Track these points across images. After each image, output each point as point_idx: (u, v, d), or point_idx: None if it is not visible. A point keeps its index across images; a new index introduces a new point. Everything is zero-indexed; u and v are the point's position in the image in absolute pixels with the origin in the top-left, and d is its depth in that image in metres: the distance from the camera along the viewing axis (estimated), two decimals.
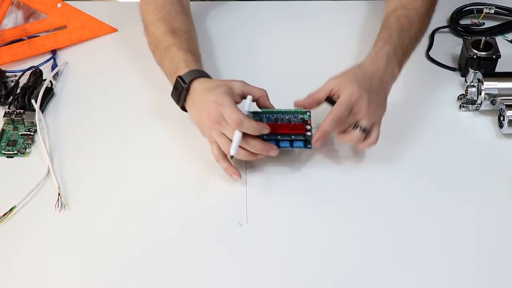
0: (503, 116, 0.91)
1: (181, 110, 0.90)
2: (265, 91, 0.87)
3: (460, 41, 1.04)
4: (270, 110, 0.86)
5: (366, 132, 0.84)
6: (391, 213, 0.83)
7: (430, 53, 1.06)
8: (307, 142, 0.84)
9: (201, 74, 0.88)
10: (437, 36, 1.09)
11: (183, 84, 0.87)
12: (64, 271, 0.77)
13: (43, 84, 0.98)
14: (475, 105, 0.95)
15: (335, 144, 0.91)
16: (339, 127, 0.84)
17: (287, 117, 0.85)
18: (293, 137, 0.84)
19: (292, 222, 0.82)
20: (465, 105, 0.96)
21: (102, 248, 0.79)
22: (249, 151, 0.83)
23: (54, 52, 1.07)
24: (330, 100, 0.85)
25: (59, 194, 0.84)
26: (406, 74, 1.02)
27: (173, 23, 0.96)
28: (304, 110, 0.85)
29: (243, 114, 0.81)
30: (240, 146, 0.82)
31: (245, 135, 0.82)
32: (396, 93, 0.99)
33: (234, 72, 1.03)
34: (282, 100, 0.98)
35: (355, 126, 0.84)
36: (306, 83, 1.00)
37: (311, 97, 0.86)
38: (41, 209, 0.83)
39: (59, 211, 0.83)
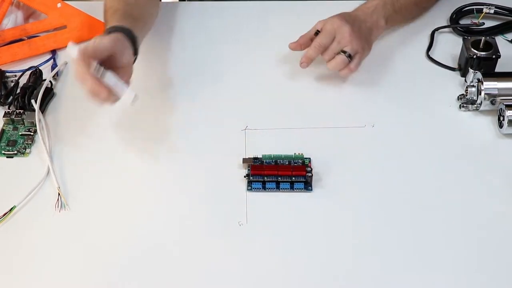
0: (503, 116, 0.91)
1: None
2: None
3: (460, 41, 1.03)
4: (271, 155, 0.87)
5: (350, 59, 0.93)
6: (391, 213, 0.83)
7: (430, 53, 1.06)
8: (307, 184, 0.85)
9: (119, 29, 0.87)
10: (437, 36, 1.09)
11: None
12: (64, 271, 0.77)
13: (43, 84, 0.98)
14: (475, 105, 0.95)
15: (336, 144, 0.91)
16: (327, 55, 0.94)
17: (287, 162, 0.86)
18: (293, 178, 0.84)
19: (292, 222, 0.82)
20: (465, 105, 0.96)
21: (102, 248, 0.79)
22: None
23: (54, 52, 1.07)
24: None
25: (59, 194, 0.84)
26: (406, 74, 1.02)
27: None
28: (303, 156, 0.87)
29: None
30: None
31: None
32: (396, 92, 0.99)
33: (233, 71, 1.03)
34: (281, 99, 0.99)
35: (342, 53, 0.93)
36: (306, 82, 1.01)
37: (303, 36, 0.97)
38: (41, 209, 0.83)
39: (59, 211, 0.83)
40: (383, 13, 0.99)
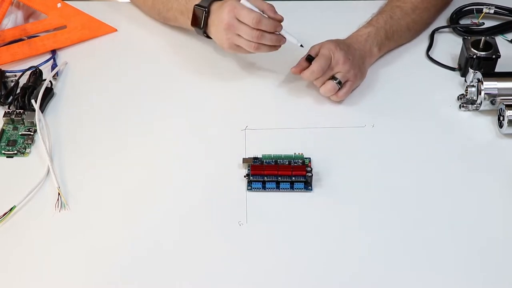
0: (503, 116, 0.91)
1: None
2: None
3: (460, 41, 1.03)
4: (271, 155, 0.87)
5: (340, 86, 0.94)
6: (391, 213, 0.83)
7: (430, 53, 1.06)
8: (307, 184, 0.85)
9: None
10: (437, 36, 1.09)
11: (202, 9, 0.94)
12: (64, 271, 0.77)
13: (43, 84, 0.98)
14: (475, 105, 0.95)
15: (336, 144, 0.91)
16: (319, 80, 0.94)
17: (287, 162, 0.86)
18: (293, 178, 0.84)
19: (292, 222, 0.82)
20: (465, 105, 0.96)
21: (102, 248, 0.79)
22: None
23: (54, 52, 1.07)
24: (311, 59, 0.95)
25: (59, 194, 0.84)
26: (406, 74, 1.02)
27: None
28: (303, 156, 0.87)
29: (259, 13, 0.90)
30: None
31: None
32: (396, 92, 1.00)
33: (233, 71, 1.03)
34: (281, 99, 0.99)
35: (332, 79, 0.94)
36: (306, 82, 1.01)
37: (304, 61, 0.96)
38: (41, 209, 0.83)
39: (59, 211, 0.83)
40: (375, 41, 0.99)
